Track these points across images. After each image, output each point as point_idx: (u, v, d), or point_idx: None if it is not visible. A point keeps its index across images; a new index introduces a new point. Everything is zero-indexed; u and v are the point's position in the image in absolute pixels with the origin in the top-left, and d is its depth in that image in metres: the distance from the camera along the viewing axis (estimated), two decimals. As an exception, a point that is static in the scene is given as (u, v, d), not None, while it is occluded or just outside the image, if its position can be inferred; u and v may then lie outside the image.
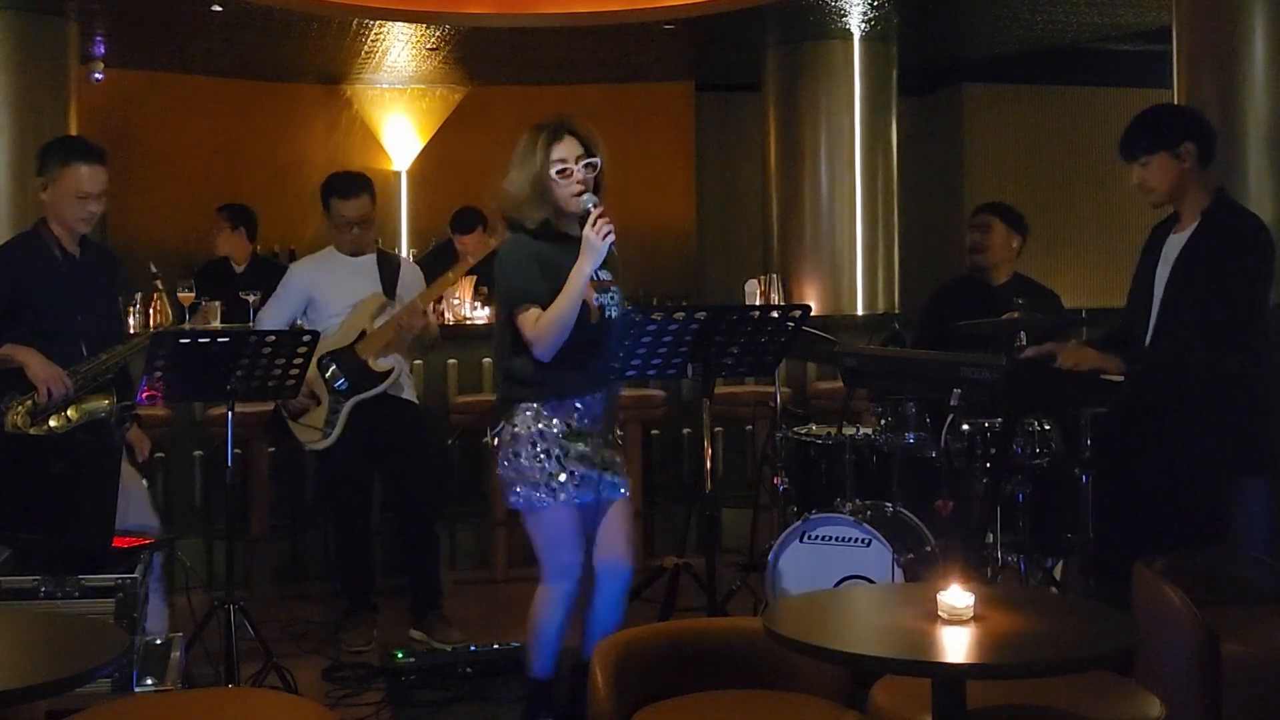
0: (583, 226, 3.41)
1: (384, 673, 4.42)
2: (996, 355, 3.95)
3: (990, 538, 4.14)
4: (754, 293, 6.59)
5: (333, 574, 5.46)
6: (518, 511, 3.58)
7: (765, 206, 8.59)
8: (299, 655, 4.68)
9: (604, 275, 3.53)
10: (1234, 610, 3.26)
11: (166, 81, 9.11)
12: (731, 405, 5.99)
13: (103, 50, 8.23)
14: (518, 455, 3.49)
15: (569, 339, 3.42)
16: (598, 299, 3.50)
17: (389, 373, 4.85)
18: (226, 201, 7.12)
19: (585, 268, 3.37)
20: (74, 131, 7.32)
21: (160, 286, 4.50)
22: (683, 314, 3.38)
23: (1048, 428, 4.31)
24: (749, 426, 6.23)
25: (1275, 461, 3.97)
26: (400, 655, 4.40)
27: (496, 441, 3.56)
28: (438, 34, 8.17)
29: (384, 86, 9.71)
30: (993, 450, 4.16)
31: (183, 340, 3.86)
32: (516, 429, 3.48)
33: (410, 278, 5.05)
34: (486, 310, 6.33)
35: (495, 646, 4.46)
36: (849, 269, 8.28)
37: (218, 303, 5.65)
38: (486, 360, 6.17)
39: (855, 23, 7.97)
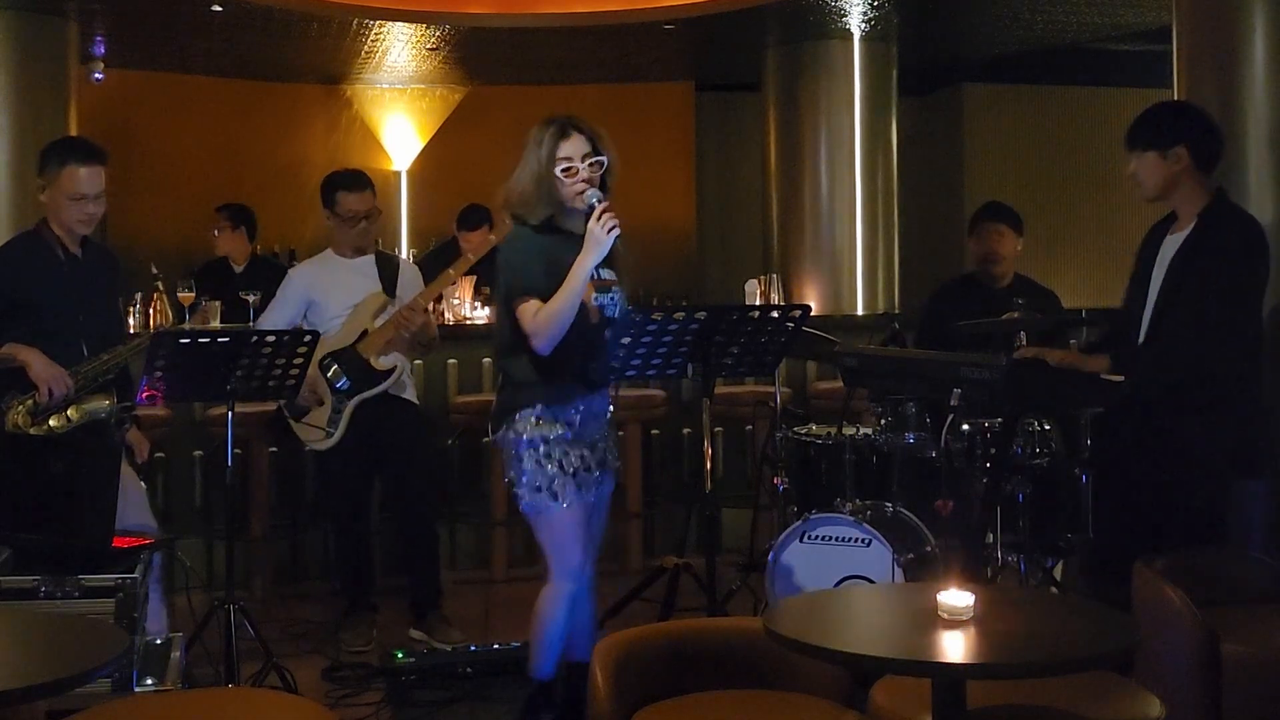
0: (587, 223, 3.41)
1: (384, 673, 4.42)
2: (996, 355, 3.95)
3: (990, 538, 4.14)
4: (754, 293, 6.59)
5: (333, 574, 5.46)
6: (523, 514, 3.58)
7: (765, 206, 8.59)
8: (299, 655, 4.68)
9: (606, 274, 3.52)
10: (1234, 610, 3.26)
11: (166, 81, 9.11)
12: (731, 405, 5.99)
13: (103, 50, 8.23)
14: (520, 460, 3.48)
15: (568, 340, 3.41)
16: (597, 299, 3.49)
17: (391, 371, 4.85)
18: (226, 201, 7.12)
19: (588, 262, 3.36)
20: (74, 131, 7.33)
21: (161, 287, 4.50)
22: (683, 314, 3.38)
23: (1048, 428, 4.31)
24: (749, 426, 6.23)
25: (1275, 462, 3.98)
26: (400, 655, 4.40)
27: (499, 443, 3.56)
28: (438, 34, 8.17)
29: (384, 86, 9.71)
30: (993, 450, 4.15)
31: (183, 340, 3.87)
32: (519, 434, 3.48)
33: (409, 278, 5.05)
34: (486, 310, 6.33)
35: (495, 646, 4.46)
36: (849, 269, 8.28)
37: (218, 302, 5.65)
38: (486, 360, 6.17)
39: (855, 23, 7.97)
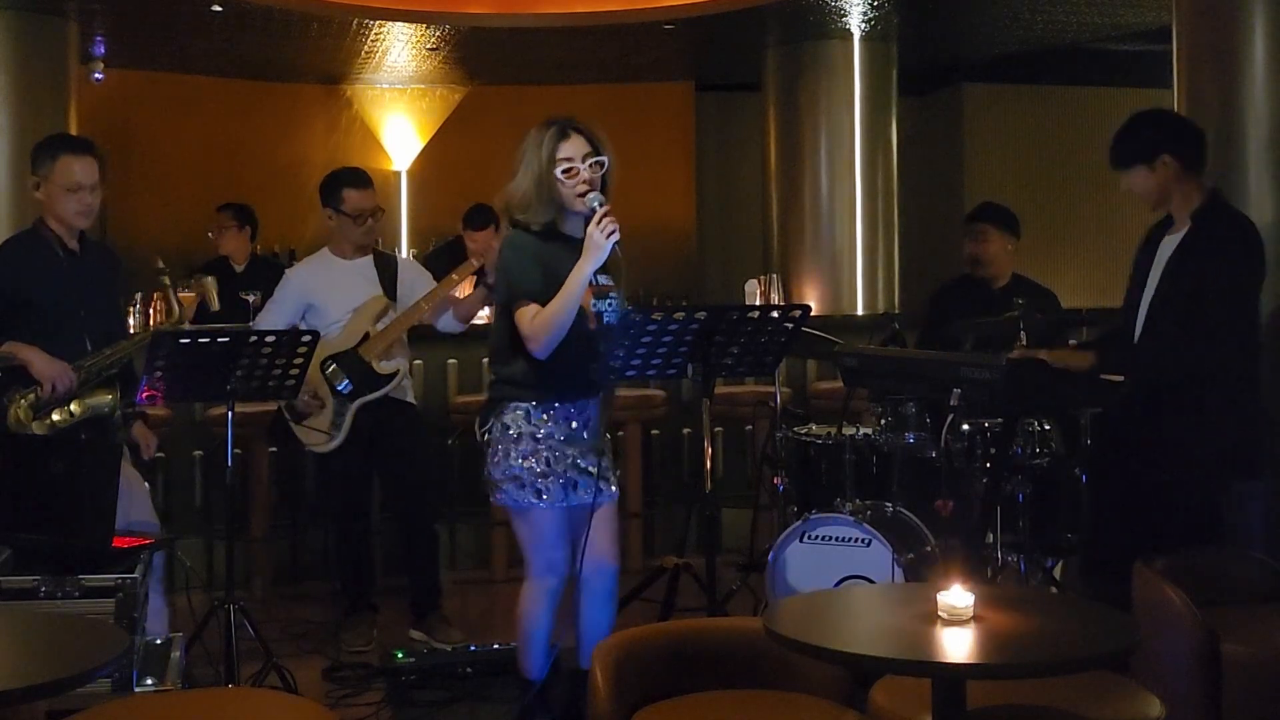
0: (587, 226, 3.41)
1: (384, 673, 4.42)
2: (996, 355, 3.95)
3: (990, 538, 4.14)
4: (754, 293, 6.59)
5: (333, 574, 5.46)
6: (504, 509, 3.58)
7: (765, 206, 8.59)
8: (299, 655, 4.68)
9: (603, 280, 3.52)
10: (1234, 610, 3.26)
11: (166, 81, 9.11)
12: (731, 405, 5.99)
13: (103, 50, 8.23)
14: (506, 455, 3.49)
15: (564, 343, 3.41)
16: (595, 305, 3.49)
17: (393, 375, 4.84)
18: (227, 201, 7.11)
19: (587, 266, 3.36)
20: (73, 131, 7.33)
21: (168, 282, 4.51)
22: (683, 314, 3.37)
23: (1048, 428, 4.32)
24: (749, 426, 6.23)
25: (1275, 462, 3.98)
26: (400, 655, 4.40)
27: (485, 439, 3.56)
28: (438, 34, 8.17)
29: (384, 86, 9.71)
30: (993, 450, 4.16)
31: (183, 340, 3.86)
32: (506, 428, 3.48)
33: (411, 275, 5.03)
34: (486, 310, 6.33)
35: (495, 646, 4.45)
36: (849, 269, 8.28)
37: (211, 277, 5.66)
38: (486, 360, 6.16)
39: (855, 23, 7.97)
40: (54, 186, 4.01)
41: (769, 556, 4.39)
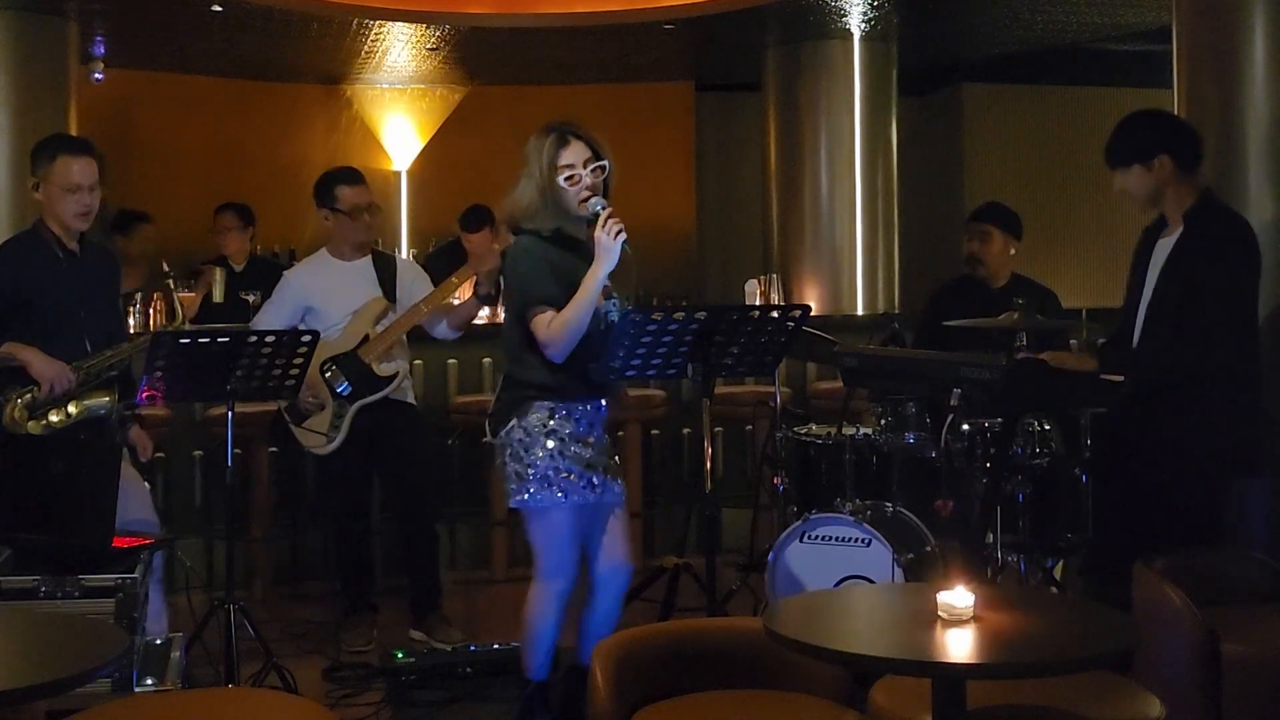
0: (590, 230, 3.41)
1: (384, 673, 4.42)
2: (996, 355, 3.95)
3: (990, 538, 4.14)
4: (754, 293, 6.59)
5: (333, 574, 5.46)
6: (518, 509, 3.57)
7: (765, 206, 8.59)
8: (299, 655, 4.68)
9: (606, 282, 3.53)
10: (1234, 610, 3.26)
11: (166, 81, 9.10)
12: (731, 405, 5.99)
13: (103, 50, 8.22)
14: (528, 451, 3.48)
15: (584, 345, 3.42)
16: (604, 306, 3.50)
17: (393, 377, 4.84)
18: (227, 201, 7.10)
19: (600, 271, 3.37)
20: (73, 131, 7.32)
21: (173, 285, 4.52)
22: (683, 314, 3.38)
23: (1048, 428, 4.31)
24: (749, 426, 6.23)
25: (1275, 461, 3.98)
26: (400, 655, 4.40)
27: (503, 440, 3.55)
28: (438, 34, 8.17)
29: (384, 86, 9.70)
30: (993, 450, 4.15)
31: (183, 340, 3.86)
32: (529, 427, 3.48)
33: (410, 276, 5.03)
34: (486, 310, 6.33)
35: (495, 646, 4.46)
36: (849, 269, 8.27)
37: (220, 268, 5.68)
38: (487, 360, 6.17)
39: (855, 23, 7.97)
40: (52, 187, 4.00)
41: (769, 556, 4.39)
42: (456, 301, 4.93)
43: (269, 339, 3.95)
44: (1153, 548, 3.38)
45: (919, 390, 4.33)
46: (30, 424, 3.92)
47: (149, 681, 3.55)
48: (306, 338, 4.02)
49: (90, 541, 3.57)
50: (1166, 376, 3.71)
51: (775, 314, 3.61)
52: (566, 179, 3.43)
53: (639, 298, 3.71)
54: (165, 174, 9.01)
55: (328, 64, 9.00)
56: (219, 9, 7.37)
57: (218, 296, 6.20)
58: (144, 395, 3.86)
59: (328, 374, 4.77)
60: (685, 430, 6.38)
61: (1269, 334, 4.21)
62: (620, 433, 5.86)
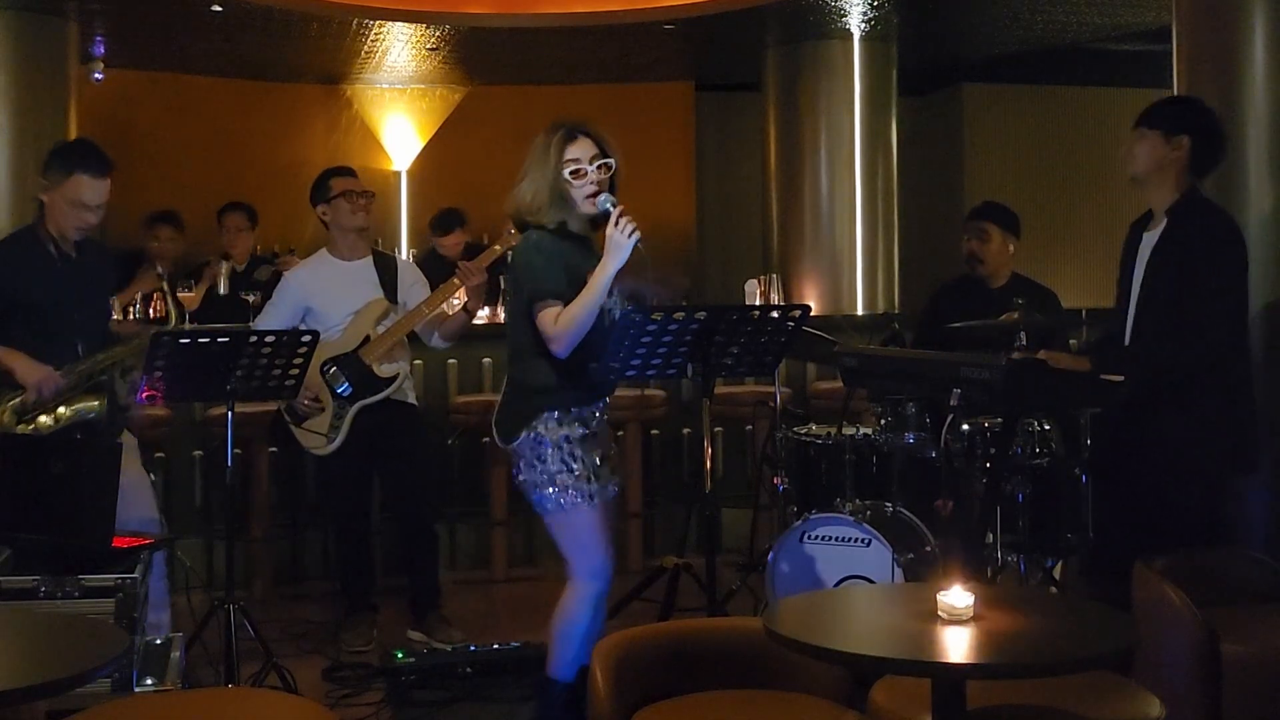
0: (597, 227, 3.42)
1: (384, 673, 4.42)
2: (996, 355, 3.95)
3: (990, 538, 4.14)
4: (754, 293, 6.59)
5: (333, 574, 5.46)
6: (543, 515, 3.56)
7: (765, 206, 8.59)
8: (299, 655, 4.68)
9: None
10: (1234, 610, 3.26)
11: (166, 81, 9.11)
12: (731, 405, 5.99)
13: (103, 50, 8.23)
14: (543, 459, 3.47)
15: (586, 343, 3.42)
16: (607, 304, 3.49)
17: (394, 378, 4.83)
18: (230, 201, 7.09)
19: (610, 267, 3.36)
20: (74, 131, 7.33)
21: (166, 288, 4.53)
22: (683, 314, 3.37)
23: (1048, 428, 4.31)
24: (749, 426, 6.23)
25: (1274, 461, 3.98)
26: (400, 655, 4.40)
27: (516, 450, 3.53)
28: (438, 34, 8.17)
29: (384, 86, 9.71)
30: (993, 450, 4.16)
31: (183, 340, 3.86)
32: (542, 436, 3.47)
33: (411, 278, 5.03)
34: (486, 310, 6.33)
35: (495, 646, 4.46)
36: (849, 269, 8.28)
37: (226, 262, 5.68)
38: (487, 360, 6.17)
39: (855, 23, 7.97)
40: (61, 198, 4.01)
41: (769, 556, 4.39)
42: (456, 302, 4.93)
43: (269, 339, 3.95)
44: (1153, 548, 3.38)
45: (919, 390, 4.33)
46: (20, 427, 3.94)
47: (149, 681, 3.55)
48: (306, 338, 4.02)
49: (90, 541, 3.57)
50: (1161, 375, 3.71)
51: (775, 314, 3.60)
52: (573, 173, 3.44)
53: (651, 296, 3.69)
54: (165, 174, 9.01)
55: (328, 64, 9.00)
56: (219, 9, 7.37)
57: (223, 289, 6.21)
58: (144, 395, 3.86)
59: (328, 374, 4.77)
60: (685, 430, 6.38)
61: (1265, 331, 4.21)
62: (620, 433, 5.86)
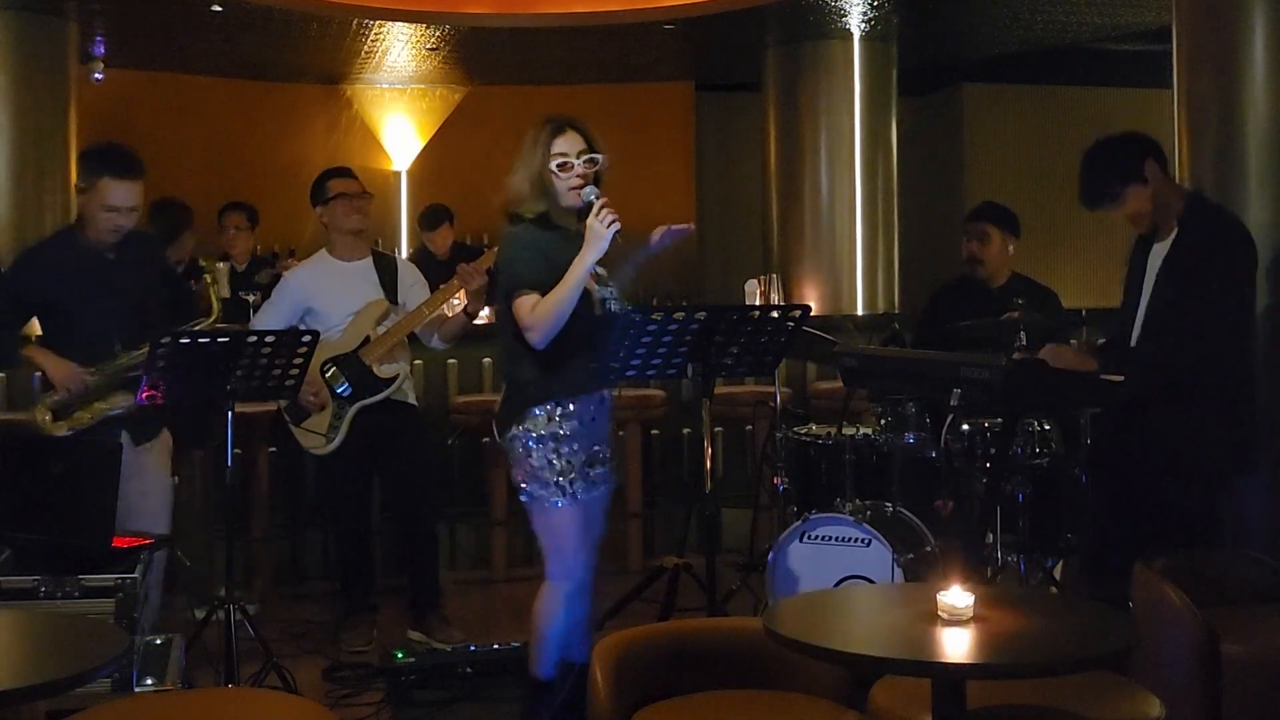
0: (581, 220, 3.42)
1: (384, 673, 4.42)
2: (996, 355, 3.95)
3: (990, 538, 4.14)
4: (754, 293, 6.58)
5: (333, 574, 5.46)
6: (526, 509, 3.57)
7: (765, 206, 8.59)
8: (299, 655, 4.68)
9: (599, 270, 3.53)
10: (1234, 610, 3.26)
11: (166, 81, 9.11)
12: (731, 405, 5.99)
13: (103, 50, 8.23)
14: (528, 455, 3.48)
15: (575, 333, 3.42)
16: (600, 293, 3.50)
17: (393, 379, 4.83)
18: (230, 201, 7.09)
19: (589, 257, 3.36)
20: (74, 131, 7.34)
21: (211, 279, 4.56)
22: (683, 314, 3.38)
23: (1048, 428, 4.32)
24: (749, 426, 6.23)
25: (1273, 460, 3.97)
26: (400, 655, 4.40)
27: (506, 445, 3.54)
28: (438, 34, 8.17)
29: (384, 86, 9.71)
30: (993, 450, 4.16)
31: (183, 340, 3.87)
32: (529, 431, 3.48)
33: (410, 278, 5.03)
34: (486, 311, 6.33)
35: (495, 646, 4.45)
36: (849, 269, 8.28)
37: (223, 264, 5.68)
38: (487, 360, 6.17)
39: (855, 23, 7.97)
40: (93, 202, 4.08)
41: (769, 556, 4.39)
42: (456, 303, 4.93)
43: (269, 339, 3.94)
44: (1153, 548, 3.38)
45: (919, 390, 4.33)
46: (54, 425, 4.05)
47: (149, 681, 3.55)
48: (306, 338, 4.01)
49: (90, 541, 3.57)
50: (1165, 376, 3.71)
51: (775, 314, 3.61)
52: (559, 166, 3.45)
53: (638, 297, 3.70)
54: (165, 174, 8.97)
55: (328, 64, 9.00)
56: (219, 9, 7.37)
57: (224, 292, 6.21)
58: (144, 395, 3.86)
59: (328, 374, 4.77)
60: (685, 430, 6.38)
61: (1266, 331, 4.21)
62: (620, 433, 5.86)
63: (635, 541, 6.02)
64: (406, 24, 7.89)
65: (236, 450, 4.07)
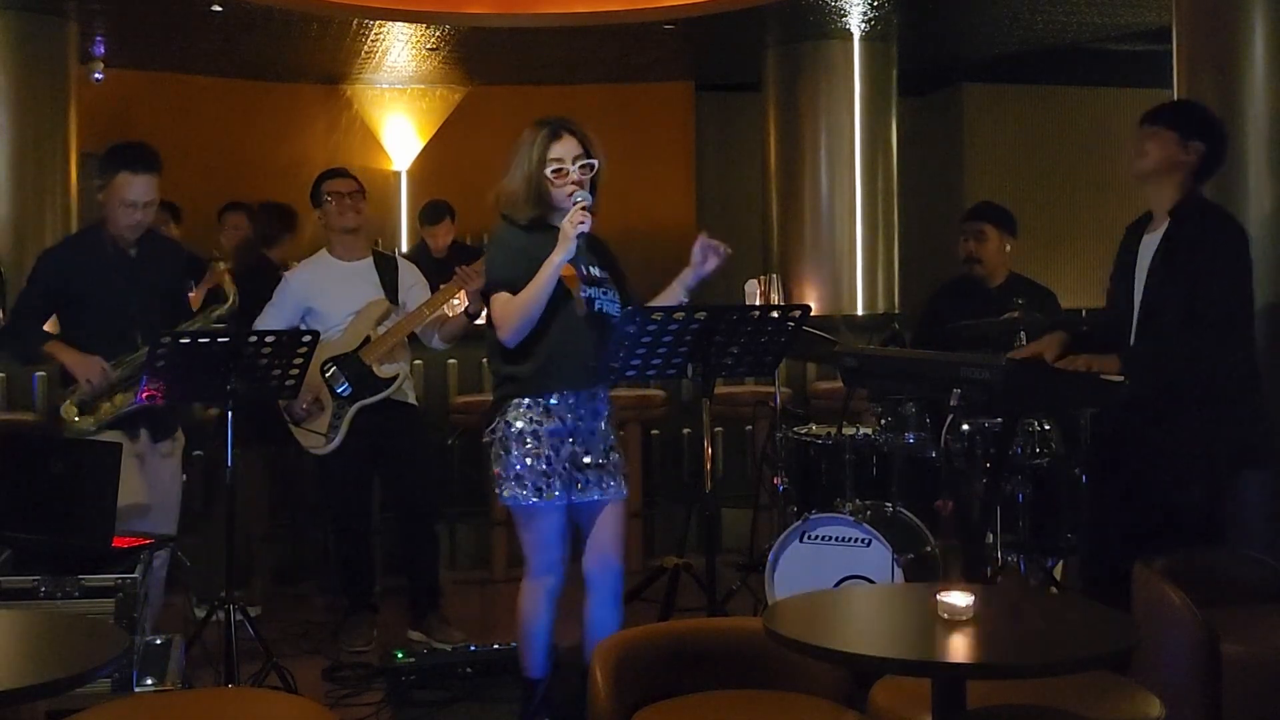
0: None
1: (384, 673, 4.42)
2: (996, 355, 3.94)
3: (990, 538, 4.14)
4: (754, 293, 6.58)
5: (333, 574, 5.46)
6: (507, 505, 3.59)
7: (765, 206, 8.59)
8: (299, 655, 4.68)
9: (596, 271, 3.53)
10: (1234, 610, 3.26)
11: (166, 81, 9.11)
12: (731, 405, 5.99)
13: (103, 50, 8.24)
14: (508, 452, 3.50)
15: (554, 331, 3.44)
16: (587, 292, 3.49)
17: (393, 379, 4.83)
18: (230, 201, 7.07)
19: (556, 258, 3.40)
20: (74, 131, 7.35)
21: (224, 268, 4.57)
22: (683, 314, 3.38)
23: (1048, 428, 4.31)
24: (749, 426, 6.23)
25: (1276, 457, 3.97)
26: (400, 655, 4.40)
27: (489, 439, 3.58)
28: (438, 34, 8.18)
29: (384, 86, 9.71)
30: (993, 450, 4.15)
31: (183, 340, 3.87)
32: (509, 425, 3.50)
33: (411, 278, 5.03)
34: (486, 310, 6.34)
35: (495, 646, 4.45)
36: (849, 269, 8.28)
37: (223, 265, 5.67)
38: (486, 360, 6.17)
39: (855, 23, 7.98)
40: (112, 198, 4.12)
41: (769, 556, 4.39)
42: (456, 303, 4.93)
43: (269, 339, 3.95)
44: (1153, 548, 3.38)
45: (919, 390, 4.33)
46: (80, 420, 4.09)
47: (149, 681, 3.55)
48: (306, 338, 4.02)
49: (90, 541, 3.57)
50: (1168, 376, 3.70)
51: (775, 314, 3.61)
52: (554, 171, 3.45)
53: (639, 297, 3.70)
54: (165, 174, 8.98)
55: (328, 64, 9.00)
56: (219, 9, 7.37)
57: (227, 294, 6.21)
58: (144, 395, 3.86)
59: (328, 374, 4.77)
60: (685, 430, 6.38)
61: (1266, 330, 4.20)
62: (620, 432, 5.86)
63: (635, 541, 6.00)
64: (406, 24, 7.89)
65: (236, 450, 4.07)
